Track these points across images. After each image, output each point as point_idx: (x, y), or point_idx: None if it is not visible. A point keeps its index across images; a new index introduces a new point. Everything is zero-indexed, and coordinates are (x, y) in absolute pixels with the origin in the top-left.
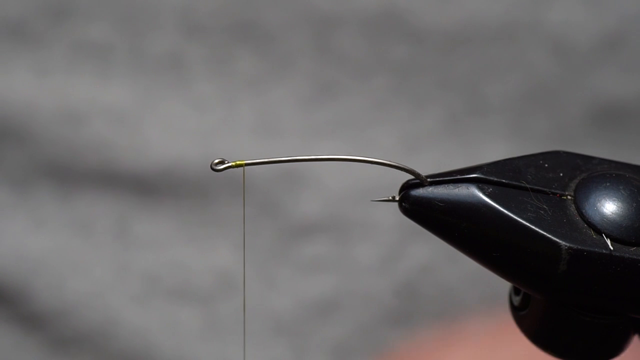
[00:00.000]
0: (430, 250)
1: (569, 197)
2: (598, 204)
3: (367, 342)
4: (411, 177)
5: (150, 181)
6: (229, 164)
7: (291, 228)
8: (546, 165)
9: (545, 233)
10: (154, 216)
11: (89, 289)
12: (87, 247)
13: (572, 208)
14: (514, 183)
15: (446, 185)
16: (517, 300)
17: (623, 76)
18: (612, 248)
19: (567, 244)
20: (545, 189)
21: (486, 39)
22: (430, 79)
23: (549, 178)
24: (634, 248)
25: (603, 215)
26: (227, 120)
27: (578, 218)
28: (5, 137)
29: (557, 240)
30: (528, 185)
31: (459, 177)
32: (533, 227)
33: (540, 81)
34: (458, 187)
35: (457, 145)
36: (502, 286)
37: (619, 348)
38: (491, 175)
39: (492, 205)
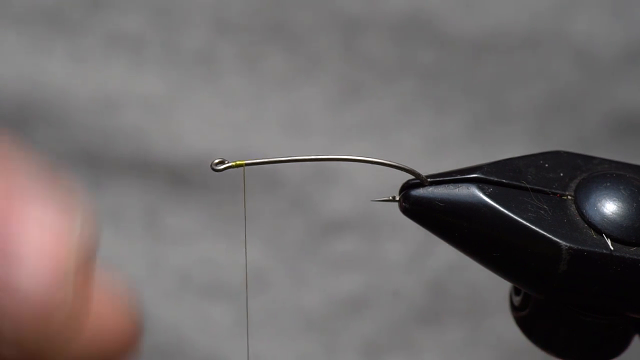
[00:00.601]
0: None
1: (569, 197)
2: (598, 204)
3: (396, 340)
4: (411, 177)
5: (181, 172)
6: (229, 164)
7: (321, 225)
8: (546, 165)
9: (545, 233)
10: (184, 208)
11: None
12: (117, 237)
13: (573, 208)
14: (514, 183)
15: (446, 185)
16: (517, 300)
17: None
18: (612, 248)
19: (568, 244)
20: (545, 189)
21: (511, 47)
22: (455, 84)
23: (550, 178)
24: (635, 248)
25: (603, 215)
26: (256, 116)
27: (578, 218)
28: (40, 121)
29: (558, 240)
30: (528, 185)
31: (459, 177)
32: (533, 227)
33: (562, 90)
34: (458, 187)
35: (478, 150)
36: None
37: (619, 348)
38: (491, 175)
39: (492, 205)
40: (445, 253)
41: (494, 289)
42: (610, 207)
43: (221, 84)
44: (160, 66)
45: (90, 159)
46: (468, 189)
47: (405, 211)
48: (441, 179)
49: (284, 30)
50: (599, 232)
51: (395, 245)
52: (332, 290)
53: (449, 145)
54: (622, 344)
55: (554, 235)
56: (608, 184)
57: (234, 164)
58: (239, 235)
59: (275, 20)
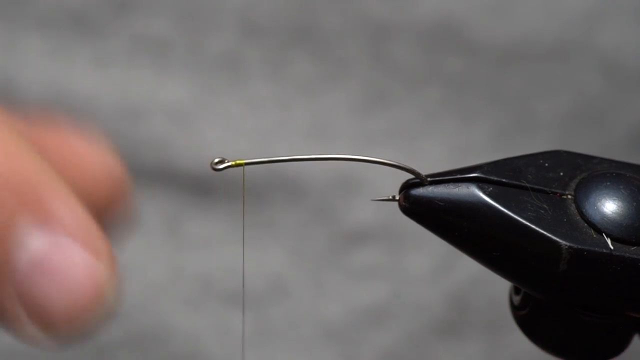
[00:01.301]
0: None
1: (569, 196)
2: (598, 204)
3: (416, 352)
4: (411, 176)
5: (205, 180)
6: (229, 164)
7: (344, 235)
8: (546, 164)
9: (545, 232)
10: (207, 217)
11: (142, 290)
12: (139, 244)
13: (573, 207)
14: (514, 182)
15: (446, 185)
16: (517, 299)
17: None
18: (612, 247)
19: (568, 244)
20: (545, 189)
21: (538, 56)
22: (482, 93)
23: (549, 177)
24: (634, 247)
25: (603, 215)
26: (282, 122)
27: (578, 217)
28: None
29: (558, 239)
30: (528, 185)
31: (459, 176)
32: (533, 226)
33: (589, 100)
34: (458, 186)
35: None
36: None
37: (619, 347)
38: (491, 175)
39: (492, 204)
40: (467, 266)
41: None
42: (610, 207)
43: (247, 89)
44: (185, 71)
45: None
46: (468, 188)
47: (405, 210)
48: (441, 178)
49: (311, 34)
50: (599, 231)
51: (417, 257)
52: (353, 300)
53: (474, 154)
54: (622, 344)
55: (553, 235)
56: (608, 183)
57: (233, 163)
58: (261, 243)
59: (302, 25)
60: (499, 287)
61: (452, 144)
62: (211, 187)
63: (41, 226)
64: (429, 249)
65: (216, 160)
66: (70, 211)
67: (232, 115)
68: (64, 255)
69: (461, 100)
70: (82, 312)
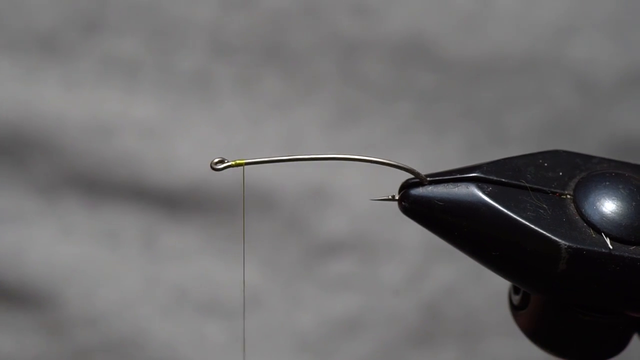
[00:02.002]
0: (454, 271)
1: (568, 196)
2: (597, 203)
3: None
4: (411, 176)
5: (177, 196)
6: (229, 163)
7: (317, 246)
8: (546, 164)
9: (544, 232)
10: (181, 230)
11: (118, 300)
12: (115, 257)
13: (572, 207)
14: (514, 182)
15: (446, 185)
16: (516, 299)
17: None
18: (611, 247)
19: (567, 243)
20: (544, 188)
21: (510, 70)
22: (453, 107)
23: (549, 177)
24: (634, 247)
25: (602, 215)
26: (253, 139)
27: (577, 217)
28: (35, 148)
29: (557, 239)
30: (527, 185)
31: (458, 176)
32: (532, 226)
33: (561, 114)
34: (457, 186)
35: None
36: None
37: (619, 347)
38: (491, 175)
39: (491, 204)
40: (440, 275)
41: (489, 312)
42: (609, 206)
43: (217, 106)
44: (155, 90)
45: (86, 183)
46: (467, 188)
47: (405, 210)
48: (440, 178)
49: (282, 51)
50: (598, 231)
51: (391, 266)
52: (326, 311)
53: (447, 167)
54: (622, 343)
55: (553, 234)
56: (607, 183)
57: (233, 163)
58: (235, 254)
59: (272, 42)
60: (473, 296)
61: (425, 158)
62: (184, 200)
63: None
64: (402, 259)
65: (216, 160)
66: None
67: (203, 132)
68: None
69: (433, 114)
70: None
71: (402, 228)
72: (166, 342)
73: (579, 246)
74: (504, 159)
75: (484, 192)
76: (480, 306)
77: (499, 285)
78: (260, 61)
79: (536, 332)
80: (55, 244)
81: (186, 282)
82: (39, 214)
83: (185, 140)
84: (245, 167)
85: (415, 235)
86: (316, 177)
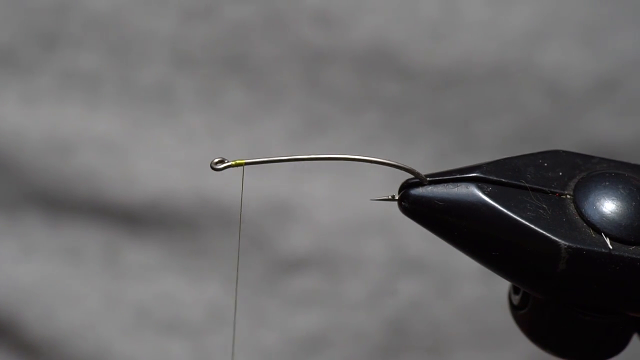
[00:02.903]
0: (419, 286)
1: (568, 196)
2: (597, 203)
3: None
4: (411, 176)
5: (139, 212)
6: (229, 163)
7: (280, 262)
8: (545, 164)
9: (544, 232)
10: (143, 247)
11: (79, 320)
12: (76, 276)
13: (572, 207)
14: (514, 182)
15: (446, 185)
16: (516, 299)
17: (617, 118)
18: (611, 247)
19: (567, 243)
20: (544, 188)
21: (478, 78)
22: (421, 116)
23: (549, 177)
24: (633, 247)
25: (602, 215)
26: (217, 152)
27: (577, 217)
28: None
29: (557, 239)
30: (527, 185)
31: (458, 176)
32: (532, 226)
33: (532, 122)
34: (457, 186)
35: None
36: (492, 321)
37: (619, 347)
38: (490, 175)
39: (491, 204)
40: (405, 290)
41: (456, 326)
42: (609, 206)
43: (179, 120)
44: (116, 104)
45: (46, 201)
46: (467, 188)
47: (405, 210)
48: (440, 178)
49: (245, 63)
50: (598, 231)
51: (355, 282)
52: (291, 328)
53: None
54: (621, 343)
55: (553, 235)
56: (607, 183)
57: (233, 163)
58: (198, 271)
59: (235, 53)
60: (439, 311)
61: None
62: (145, 217)
63: None
64: (367, 275)
65: (216, 160)
66: None
67: (165, 146)
68: None
69: (401, 123)
70: None
71: (366, 243)
72: None
73: (578, 246)
74: (504, 159)
75: (484, 192)
76: (446, 320)
77: (465, 298)
78: (223, 73)
79: (536, 332)
80: (15, 264)
81: (148, 300)
82: None
83: (147, 156)
84: (242, 170)
85: (380, 250)
86: (279, 192)
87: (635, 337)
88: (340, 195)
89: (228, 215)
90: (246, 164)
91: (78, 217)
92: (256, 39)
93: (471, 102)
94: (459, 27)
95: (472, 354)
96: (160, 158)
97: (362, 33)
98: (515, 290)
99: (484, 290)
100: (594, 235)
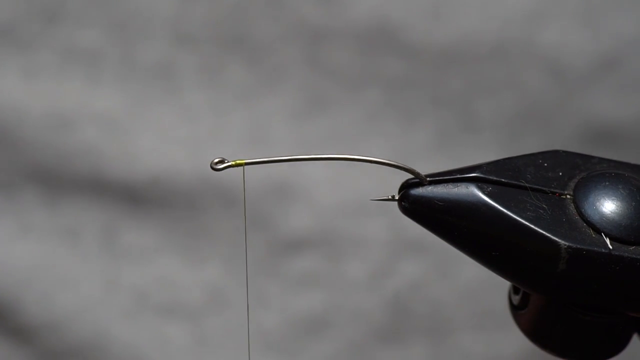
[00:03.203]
0: (420, 267)
1: (568, 196)
2: (597, 203)
3: (357, 359)
4: (411, 176)
5: (139, 190)
6: (229, 163)
7: (281, 243)
8: (545, 164)
9: (544, 232)
10: (142, 226)
11: (78, 302)
12: (74, 257)
13: (572, 207)
14: (514, 182)
15: (446, 185)
16: (516, 299)
17: (617, 97)
18: (611, 247)
19: (567, 243)
20: (544, 188)
21: (480, 57)
22: (423, 94)
23: (549, 177)
24: (633, 247)
25: (602, 215)
26: (217, 130)
27: (577, 217)
28: None
29: (557, 239)
30: (527, 185)
31: (458, 176)
32: (532, 226)
33: (533, 100)
34: (457, 186)
35: (448, 160)
36: (493, 302)
37: (619, 347)
38: (491, 175)
39: (491, 204)
40: (406, 271)
41: (457, 306)
42: (609, 206)
43: (181, 97)
44: (117, 81)
45: (45, 178)
46: (467, 188)
47: (405, 210)
48: (440, 178)
49: (246, 41)
50: (598, 231)
51: (356, 263)
52: (292, 309)
53: (418, 155)
54: (621, 343)
55: (553, 235)
56: (607, 183)
57: (233, 163)
58: (197, 251)
59: (236, 31)
60: (440, 291)
61: (395, 146)
62: (145, 196)
63: None
64: (367, 255)
65: (216, 160)
66: None
67: (167, 124)
68: None
69: (402, 101)
70: None
71: (367, 224)
72: (129, 344)
73: (578, 246)
74: (504, 159)
75: (484, 192)
76: (447, 301)
77: (466, 279)
78: (224, 51)
79: (536, 332)
80: (13, 243)
81: (147, 282)
82: None
83: (148, 133)
84: (243, 170)
85: (380, 231)
86: (280, 172)
87: (635, 337)
88: (341, 176)
89: (229, 194)
90: (246, 164)
91: (77, 195)
92: (257, 17)
93: (472, 81)
94: (461, 5)
95: (473, 335)
96: (161, 136)
97: (363, 11)
98: (515, 290)
99: (484, 271)
100: (594, 235)
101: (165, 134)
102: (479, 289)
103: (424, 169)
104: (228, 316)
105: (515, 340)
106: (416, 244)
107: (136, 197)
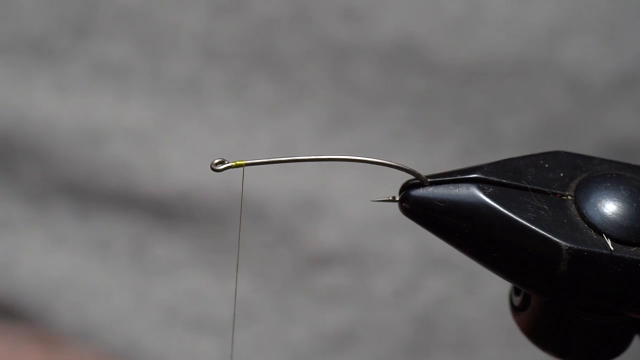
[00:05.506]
0: (447, 282)
1: (569, 197)
2: (598, 204)
3: None
4: (411, 177)
5: (168, 204)
6: (229, 164)
7: (309, 257)
8: (546, 165)
9: (545, 233)
10: (171, 240)
11: (109, 314)
12: (105, 269)
13: (573, 208)
14: (514, 183)
15: (446, 186)
16: (517, 300)
17: (638, 114)
18: (612, 248)
19: (568, 244)
20: (545, 189)
21: (501, 74)
22: (446, 112)
23: (550, 178)
24: (635, 248)
25: (603, 216)
26: (245, 145)
27: (578, 218)
28: (25, 154)
29: (558, 240)
30: (528, 186)
31: (459, 177)
32: (533, 227)
33: (554, 117)
34: (458, 187)
35: None
36: None
37: (620, 348)
38: (491, 176)
39: (492, 205)
40: (433, 287)
41: (484, 322)
42: (610, 207)
43: (209, 112)
44: (147, 95)
45: (76, 191)
46: (468, 189)
47: (405, 211)
48: (441, 179)
49: (273, 57)
50: (599, 232)
51: (383, 278)
52: (319, 324)
53: (440, 171)
54: (623, 344)
55: (554, 236)
56: (608, 184)
57: (233, 163)
58: (226, 266)
59: (263, 48)
60: (467, 307)
61: (418, 163)
62: (175, 211)
63: None
64: (394, 271)
65: (216, 161)
66: None
67: (195, 138)
68: None
69: (425, 119)
70: None
71: (394, 239)
72: (159, 356)
73: (579, 247)
74: (505, 160)
75: (484, 193)
76: (474, 317)
77: (493, 295)
78: (252, 67)
79: (537, 334)
80: (45, 255)
81: (176, 295)
82: (29, 223)
83: (177, 147)
84: (243, 171)
85: (408, 246)
86: (308, 187)
87: (636, 339)
88: (369, 191)
89: (257, 209)
90: (246, 164)
91: (107, 209)
92: (284, 34)
93: (494, 98)
94: (483, 23)
95: (499, 352)
96: (190, 150)
97: (387, 29)
98: (516, 291)
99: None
100: (595, 237)
101: (194, 149)
102: (505, 305)
103: None
104: (256, 330)
105: (542, 357)
106: (442, 260)
107: (166, 211)
